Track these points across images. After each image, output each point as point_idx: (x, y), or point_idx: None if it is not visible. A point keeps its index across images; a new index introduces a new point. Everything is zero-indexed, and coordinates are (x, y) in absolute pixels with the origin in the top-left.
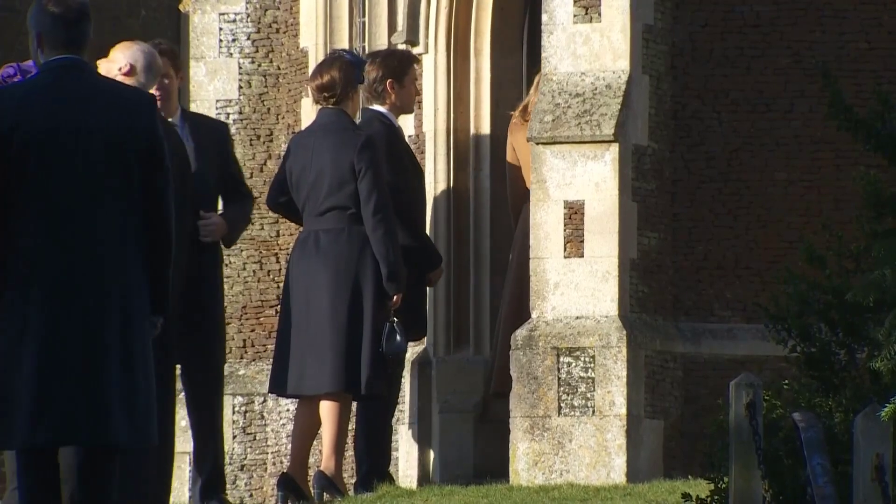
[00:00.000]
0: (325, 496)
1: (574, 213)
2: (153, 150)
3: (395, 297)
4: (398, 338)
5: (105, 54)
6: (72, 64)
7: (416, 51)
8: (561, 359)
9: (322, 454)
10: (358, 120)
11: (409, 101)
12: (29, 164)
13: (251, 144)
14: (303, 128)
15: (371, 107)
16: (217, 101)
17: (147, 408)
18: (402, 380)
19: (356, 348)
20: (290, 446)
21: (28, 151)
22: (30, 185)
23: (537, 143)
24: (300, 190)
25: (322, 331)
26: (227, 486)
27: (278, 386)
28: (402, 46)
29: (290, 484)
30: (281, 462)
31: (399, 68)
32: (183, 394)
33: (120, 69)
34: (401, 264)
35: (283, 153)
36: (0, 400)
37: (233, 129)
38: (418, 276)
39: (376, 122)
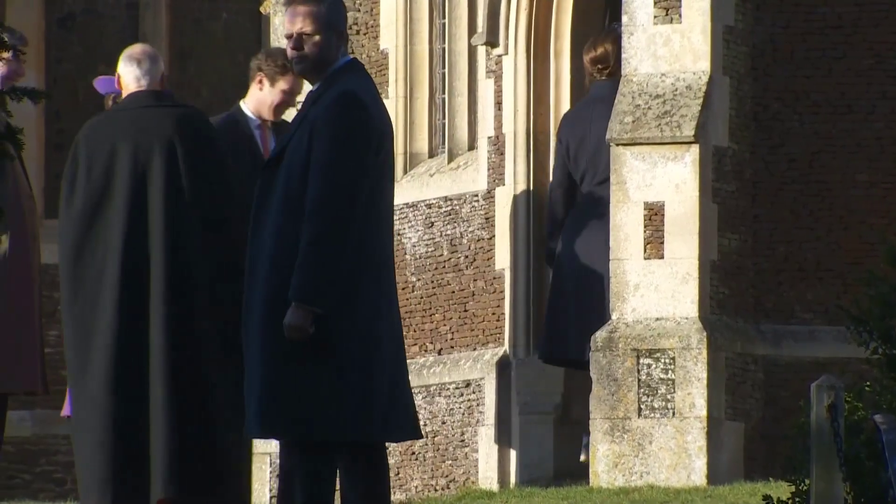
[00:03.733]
0: None
1: (654, 215)
2: None
3: None
4: None
5: (188, 55)
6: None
7: (496, 52)
8: (641, 360)
9: None
10: None
11: None
12: (385, 166)
13: None
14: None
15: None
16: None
17: None
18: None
19: None
20: None
21: (385, 153)
22: (376, 187)
23: (617, 145)
24: (579, 161)
25: (599, 297)
26: None
27: (550, 351)
28: (481, 48)
29: None
30: None
31: None
32: None
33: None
34: None
35: None
36: (361, 393)
37: None
38: None
39: None
